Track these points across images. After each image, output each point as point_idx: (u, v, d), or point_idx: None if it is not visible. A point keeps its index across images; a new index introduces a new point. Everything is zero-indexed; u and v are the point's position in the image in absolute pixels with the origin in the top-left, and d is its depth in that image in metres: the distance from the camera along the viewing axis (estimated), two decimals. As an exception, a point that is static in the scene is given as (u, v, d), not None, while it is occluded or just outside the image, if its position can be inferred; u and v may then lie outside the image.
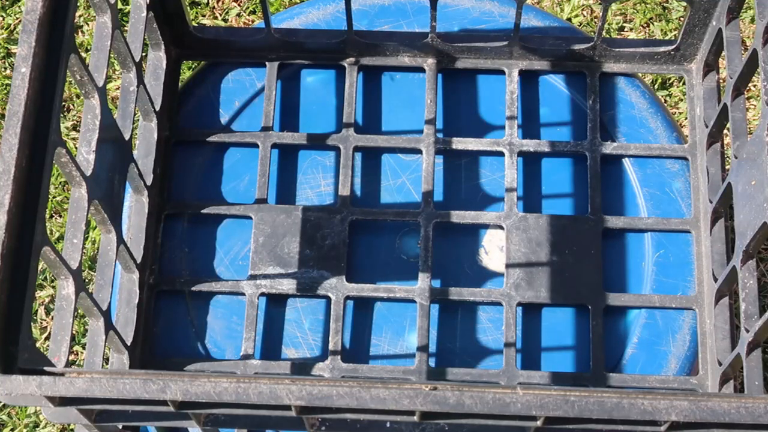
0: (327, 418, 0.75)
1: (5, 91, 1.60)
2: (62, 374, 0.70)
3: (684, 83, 1.57)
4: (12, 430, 1.47)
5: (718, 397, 0.68)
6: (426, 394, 0.68)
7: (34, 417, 1.47)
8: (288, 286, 1.01)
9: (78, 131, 1.60)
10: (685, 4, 1.00)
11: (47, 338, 1.50)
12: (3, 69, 1.62)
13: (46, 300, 1.52)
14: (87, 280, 1.47)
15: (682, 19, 1.63)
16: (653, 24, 1.63)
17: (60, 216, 1.56)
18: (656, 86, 1.60)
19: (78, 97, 1.59)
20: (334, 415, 0.71)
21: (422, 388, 0.68)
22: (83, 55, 0.87)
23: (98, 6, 0.88)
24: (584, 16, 1.63)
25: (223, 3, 1.66)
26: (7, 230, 0.71)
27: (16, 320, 0.72)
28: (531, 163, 1.06)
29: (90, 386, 0.69)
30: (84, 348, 1.49)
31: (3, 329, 0.71)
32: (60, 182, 1.55)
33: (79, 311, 1.27)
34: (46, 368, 0.71)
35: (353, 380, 0.69)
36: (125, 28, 0.94)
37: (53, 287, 1.52)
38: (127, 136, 0.94)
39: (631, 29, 1.63)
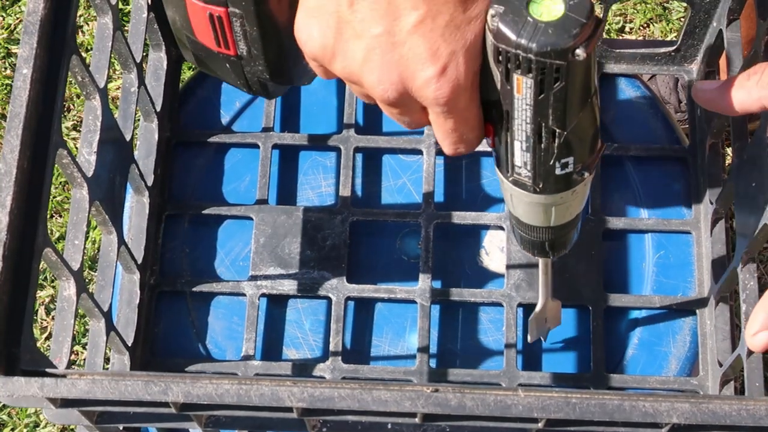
0: (328, 420, 0.75)
1: (5, 91, 1.60)
2: (64, 376, 0.70)
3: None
4: (12, 429, 1.47)
5: (719, 399, 0.68)
6: (428, 396, 0.68)
7: (34, 417, 1.47)
8: (289, 286, 1.01)
9: (78, 131, 1.60)
10: (685, 4, 1.01)
11: (48, 338, 1.51)
12: (3, 69, 1.62)
13: (47, 300, 1.53)
14: (87, 280, 1.47)
15: (682, 19, 1.63)
16: (653, 24, 1.64)
17: (60, 216, 1.56)
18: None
19: (78, 97, 1.60)
20: (336, 417, 0.72)
21: (424, 390, 0.68)
22: (83, 55, 0.87)
23: (99, 7, 0.88)
24: (584, 16, 1.63)
25: (223, 3, 1.66)
26: (9, 231, 0.71)
27: (17, 321, 0.72)
28: (532, 163, 1.06)
29: (92, 388, 0.69)
30: (84, 348, 1.49)
31: (5, 331, 0.71)
32: (60, 182, 1.55)
33: (79, 311, 1.27)
34: (47, 370, 0.71)
35: (355, 382, 0.69)
36: (126, 28, 0.94)
37: (53, 287, 1.53)
38: (128, 137, 0.94)
39: (631, 29, 1.64)
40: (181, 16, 0.73)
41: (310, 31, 0.67)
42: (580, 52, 0.61)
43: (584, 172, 0.69)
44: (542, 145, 0.67)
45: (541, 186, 0.70)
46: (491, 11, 0.63)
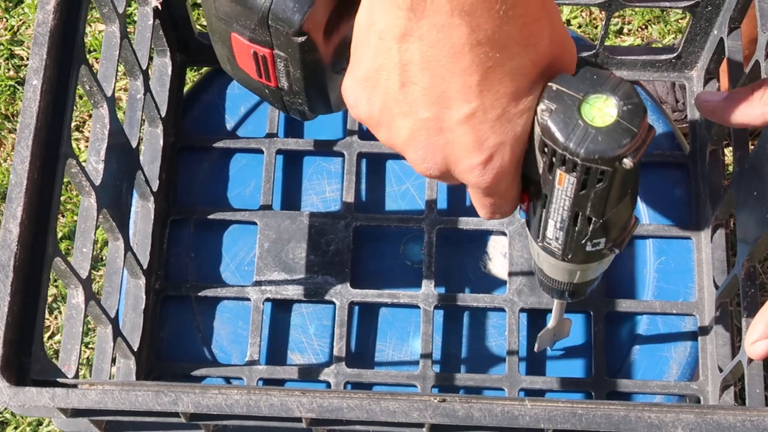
0: (336, 430, 0.76)
1: (8, 92, 1.60)
2: (75, 386, 0.71)
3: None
4: (15, 428, 1.48)
5: (723, 409, 0.69)
6: (435, 406, 0.69)
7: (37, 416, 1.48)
8: (293, 291, 1.02)
9: (81, 132, 1.61)
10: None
11: (50, 337, 1.51)
12: (7, 71, 1.62)
13: (49, 299, 1.53)
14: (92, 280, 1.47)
15: (680, 21, 1.64)
16: (651, 26, 1.64)
17: (62, 216, 1.56)
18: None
19: (81, 97, 1.60)
20: (344, 426, 0.72)
21: (431, 401, 0.69)
22: (87, 57, 0.88)
23: (107, 16, 0.88)
24: (583, 17, 1.64)
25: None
26: (20, 242, 0.72)
27: (28, 331, 0.73)
28: (534, 169, 1.06)
29: (102, 398, 0.70)
30: (87, 347, 1.50)
31: (16, 341, 0.72)
32: (63, 182, 1.56)
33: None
34: (58, 379, 0.72)
35: (363, 392, 0.70)
36: (130, 30, 0.95)
37: (56, 286, 1.53)
38: (134, 144, 0.95)
39: (629, 31, 1.64)
40: (225, 44, 0.73)
41: (358, 99, 0.66)
42: (627, 162, 0.61)
43: (615, 249, 0.69)
44: (576, 228, 0.67)
45: (569, 257, 0.70)
46: (542, 105, 0.62)
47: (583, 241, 0.68)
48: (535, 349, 0.95)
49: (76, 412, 0.73)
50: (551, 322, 0.92)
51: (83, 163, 0.83)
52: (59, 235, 1.54)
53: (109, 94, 0.87)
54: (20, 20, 1.64)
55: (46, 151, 0.76)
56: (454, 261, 1.04)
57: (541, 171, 0.65)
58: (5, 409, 1.49)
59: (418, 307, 1.01)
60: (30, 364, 0.73)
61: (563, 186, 0.64)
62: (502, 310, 1.01)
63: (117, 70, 0.89)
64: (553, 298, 0.85)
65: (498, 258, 1.04)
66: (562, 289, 0.78)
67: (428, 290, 1.01)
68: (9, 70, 1.62)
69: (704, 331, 1.00)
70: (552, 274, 0.76)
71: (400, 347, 1.01)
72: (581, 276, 0.75)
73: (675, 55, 1.06)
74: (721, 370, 0.96)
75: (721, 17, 0.99)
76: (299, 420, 0.72)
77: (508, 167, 0.65)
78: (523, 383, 0.98)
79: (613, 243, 0.69)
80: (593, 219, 0.66)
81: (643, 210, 1.05)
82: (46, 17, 0.77)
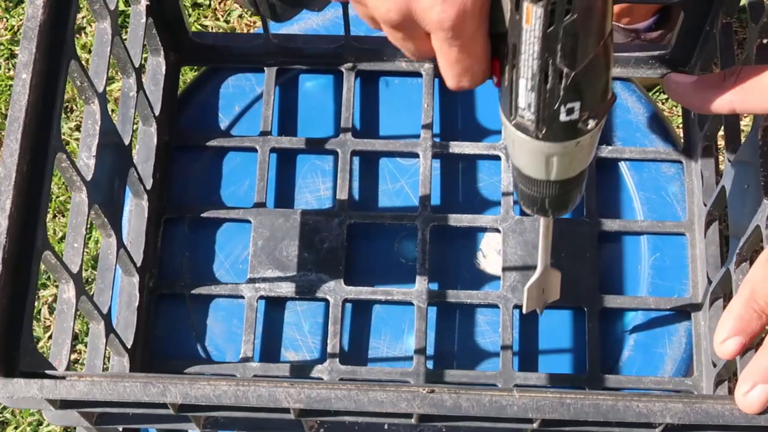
0: (325, 421, 0.76)
1: (9, 92, 1.61)
2: (63, 377, 0.71)
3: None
4: (15, 428, 1.48)
5: (712, 399, 0.69)
6: (423, 396, 0.69)
7: (38, 415, 1.48)
8: (287, 289, 1.02)
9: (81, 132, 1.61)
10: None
11: (51, 337, 1.51)
12: (7, 70, 1.63)
13: (50, 299, 1.53)
14: (90, 280, 1.47)
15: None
16: (650, 27, 1.64)
17: (63, 216, 1.57)
18: (653, 92, 1.61)
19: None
20: (333, 417, 0.72)
21: (420, 391, 0.69)
22: (86, 56, 0.87)
23: (98, 12, 0.89)
24: (581, 19, 1.64)
25: (225, 5, 1.67)
26: (9, 235, 0.72)
27: (17, 324, 0.73)
28: (528, 166, 1.06)
29: (91, 389, 0.70)
30: (85, 347, 1.50)
31: (4, 333, 0.72)
32: (63, 183, 1.56)
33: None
34: (47, 371, 0.72)
35: (352, 383, 0.70)
36: (124, 30, 0.95)
37: (56, 286, 1.53)
38: (127, 141, 0.95)
39: (627, 32, 1.64)
40: None
41: None
42: None
43: (590, 121, 0.66)
44: (548, 86, 0.64)
45: (543, 132, 0.66)
46: None
47: (556, 105, 0.65)
48: (524, 311, 0.88)
49: (64, 404, 0.73)
50: (538, 265, 0.86)
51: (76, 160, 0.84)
52: (58, 235, 1.54)
53: (100, 90, 0.87)
54: (20, 20, 1.64)
55: (35, 145, 0.76)
56: (448, 258, 1.04)
57: (508, 16, 0.63)
58: (5, 408, 1.49)
59: (412, 304, 1.01)
60: (19, 357, 0.73)
61: (531, 24, 0.61)
62: (495, 306, 1.01)
63: (108, 67, 0.89)
64: (534, 214, 0.77)
65: (492, 255, 1.04)
66: (542, 194, 0.73)
67: (422, 287, 1.01)
68: (9, 70, 1.63)
69: (698, 326, 1.00)
70: (530, 170, 0.71)
71: (394, 344, 1.01)
72: (559, 168, 0.70)
73: (668, 51, 1.06)
74: (715, 366, 0.96)
75: (713, 12, 0.99)
76: (288, 411, 0.72)
77: (471, 4, 0.63)
78: (516, 379, 0.98)
79: (588, 114, 0.65)
80: (564, 71, 0.63)
81: (637, 206, 1.05)
82: (36, 11, 0.77)
